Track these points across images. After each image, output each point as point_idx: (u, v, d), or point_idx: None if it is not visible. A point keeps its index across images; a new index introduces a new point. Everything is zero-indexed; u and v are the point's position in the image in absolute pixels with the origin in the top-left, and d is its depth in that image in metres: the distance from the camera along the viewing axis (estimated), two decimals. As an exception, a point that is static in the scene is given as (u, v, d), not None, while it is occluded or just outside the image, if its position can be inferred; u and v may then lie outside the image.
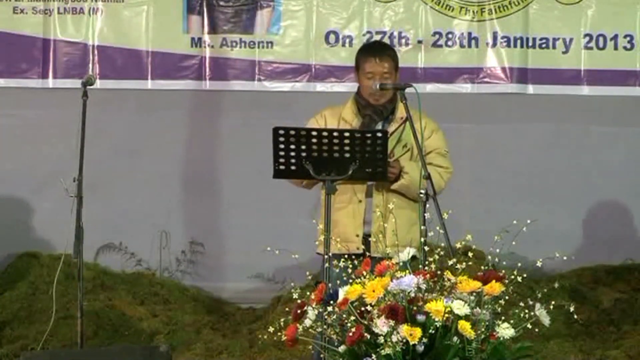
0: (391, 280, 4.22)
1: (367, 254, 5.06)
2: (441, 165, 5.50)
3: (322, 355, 4.45)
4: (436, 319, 4.09)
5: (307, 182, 5.44)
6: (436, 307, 4.10)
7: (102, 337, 7.13)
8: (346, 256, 4.61)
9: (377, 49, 5.64)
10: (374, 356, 4.10)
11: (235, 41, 8.22)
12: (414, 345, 4.07)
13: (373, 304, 4.19)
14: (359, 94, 5.57)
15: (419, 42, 8.16)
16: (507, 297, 4.28)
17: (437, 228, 4.67)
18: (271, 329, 4.44)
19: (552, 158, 8.21)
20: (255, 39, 8.22)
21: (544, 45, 8.13)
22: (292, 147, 5.12)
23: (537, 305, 4.30)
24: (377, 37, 8.08)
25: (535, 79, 8.15)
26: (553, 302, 4.41)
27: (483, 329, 4.18)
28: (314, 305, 4.36)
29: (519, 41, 8.13)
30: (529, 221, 4.50)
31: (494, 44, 8.14)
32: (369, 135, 5.16)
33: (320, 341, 4.44)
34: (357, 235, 5.41)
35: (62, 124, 7.89)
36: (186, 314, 7.64)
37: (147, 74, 8.21)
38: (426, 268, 4.33)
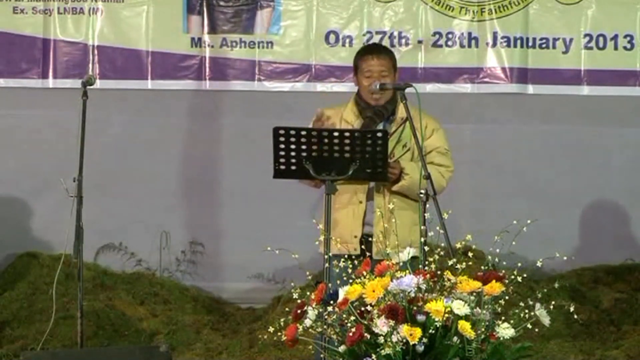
0: (391, 281, 4.22)
1: (368, 253, 5.07)
2: (442, 164, 5.50)
3: (322, 355, 4.45)
4: (436, 319, 4.08)
5: (317, 182, 5.38)
6: (436, 307, 4.10)
7: (102, 337, 7.13)
8: (345, 257, 4.62)
9: (374, 49, 5.69)
10: (374, 356, 4.10)
11: (235, 41, 8.22)
12: (414, 345, 4.07)
13: (373, 304, 4.19)
14: (359, 95, 5.57)
15: (419, 42, 8.16)
16: (507, 297, 4.28)
17: (437, 228, 4.68)
18: (271, 329, 4.44)
19: (552, 158, 8.21)
20: (255, 39, 8.22)
21: (544, 45, 8.13)
22: (293, 147, 5.12)
23: (537, 305, 4.29)
24: (377, 37, 8.08)
25: (535, 79, 8.15)
26: (553, 302, 4.41)
27: (483, 329, 4.18)
28: (314, 305, 4.36)
29: (519, 41, 8.13)
30: (529, 221, 4.50)
31: (494, 44, 8.14)
32: (369, 135, 5.16)
33: (320, 341, 4.44)
34: (355, 237, 5.41)
35: (62, 124, 7.90)
36: (186, 314, 7.64)
37: (147, 74, 8.21)
38: (426, 268, 4.33)
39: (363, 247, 5.25)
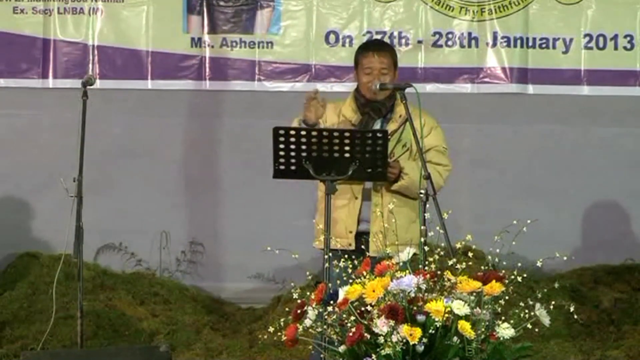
0: (391, 280, 4.22)
1: (365, 252, 5.07)
2: (440, 163, 5.50)
3: (322, 355, 4.45)
4: (436, 319, 4.08)
5: None
6: (436, 307, 4.10)
7: (102, 337, 7.12)
8: (340, 252, 4.63)
9: (375, 45, 5.70)
10: (374, 356, 4.10)
11: (235, 41, 8.22)
12: (414, 345, 4.07)
13: (373, 304, 4.19)
14: (358, 91, 5.58)
15: (419, 42, 8.16)
16: (507, 297, 4.28)
17: (437, 228, 4.68)
18: (271, 329, 4.44)
19: (552, 158, 8.21)
20: (255, 39, 8.22)
21: (544, 45, 8.13)
22: (292, 147, 5.12)
23: (537, 305, 4.29)
24: (377, 37, 8.07)
25: (535, 79, 8.15)
26: (553, 302, 4.41)
27: (483, 329, 4.18)
28: (314, 305, 4.36)
29: (519, 41, 8.13)
30: (529, 221, 4.50)
31: (494, 44, 8.14)
32: (369, 135, 5.15)
33: (320, 341, 4.44)
34: (350, 232, 5.40)
35: (62, 124, 7.89)
36: (186, 314, 7.64)
37: (147, 74, 8.21)
38: (426, 268, 4.33)
39: (362, 247, 5.25)
